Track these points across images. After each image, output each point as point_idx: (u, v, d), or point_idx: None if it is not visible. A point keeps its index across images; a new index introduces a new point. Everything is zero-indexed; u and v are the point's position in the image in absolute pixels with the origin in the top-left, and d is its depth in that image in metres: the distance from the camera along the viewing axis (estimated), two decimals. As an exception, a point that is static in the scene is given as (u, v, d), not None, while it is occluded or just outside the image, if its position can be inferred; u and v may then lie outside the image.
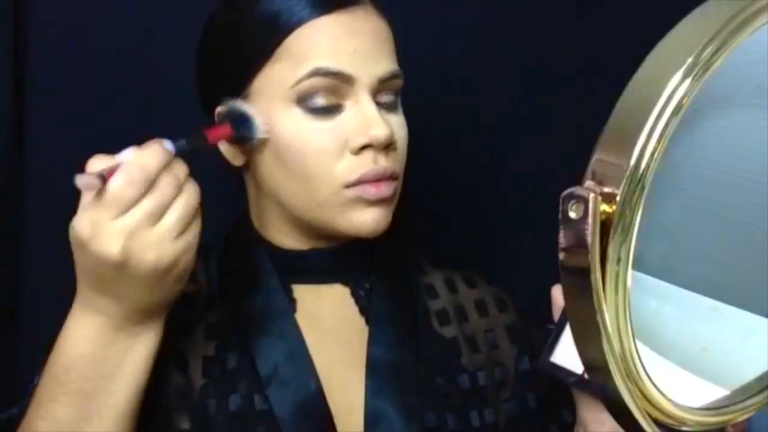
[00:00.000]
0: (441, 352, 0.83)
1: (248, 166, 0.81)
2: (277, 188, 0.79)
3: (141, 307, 0.68)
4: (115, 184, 0.64)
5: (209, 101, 0.81)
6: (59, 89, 1.04)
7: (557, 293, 0.76)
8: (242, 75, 0.77)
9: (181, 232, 0.66)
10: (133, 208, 0.64)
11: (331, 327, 0.81)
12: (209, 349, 0.79)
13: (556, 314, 0.76)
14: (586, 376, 0.71)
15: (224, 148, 0.80)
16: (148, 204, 0.65)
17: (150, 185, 0.65)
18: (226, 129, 0.75)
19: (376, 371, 0.78)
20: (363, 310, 0.82)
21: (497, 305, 0.88)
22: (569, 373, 0.73)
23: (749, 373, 0.55)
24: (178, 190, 0.66)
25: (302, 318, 0.80)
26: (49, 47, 1.04)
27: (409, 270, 0.87)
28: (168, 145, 0.68)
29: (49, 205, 1.04)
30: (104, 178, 0.64)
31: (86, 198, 0.65)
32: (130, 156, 0.66)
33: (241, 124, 0.76)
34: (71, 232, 0.66)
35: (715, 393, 0.54)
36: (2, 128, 1.03)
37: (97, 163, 0.66)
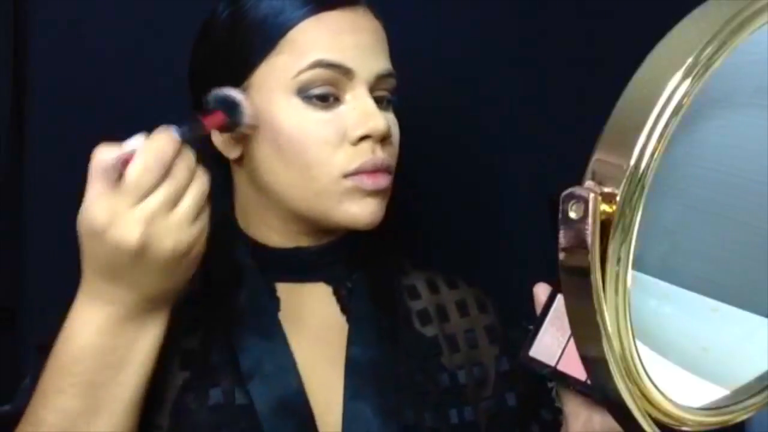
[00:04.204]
0: (421, 350, 0.84)
1: (242, 158, 0.81)
2: (273, 180, 0.79)
3: (152, 295, 0.68)
4: (133, 171, 0.65)
5: (202, 96, 0.80)
6: (59, 89, 1.04)
7: (539, 291, 0.78)
8: (243, 66, 0.78)
9: (195, 218, 0.67)
10: (150, 194, 0.65)
11: (312, 325, 0.82)
12: (189, 343, 0.79)
13: (539, 311, 0.78)
14: (558, 367, 0.74)
15: (219, 140, 0.81)
16: (165, 190, 0.65)
17: (167, 172, 0.66)
18: (219, 115, 0.75)
19: (354, 371, 0.79)
20: (344, 309, 0.83)
21: (478, 306, 0.89)
22: (544, 366, 0.75)
23: (749, 373, 0.55)
24: (192, 175, 0.67)
25: (285, 316, 0.81)
26: (49, 47, 1.04)
27: (390, 271, 0.88)
28: (175, 133, 0.68)
29: (49, 205, 1.05)
30: (121, 165, 0.65)
31: (97, 186, 0.65)
32: (142, 143, 0.66)
33: (232, 110, 0.76)
34: (83, 221, 0.66)
35: (715, 393, 0.54)
36: (2, 128, 1.03)
37: (105, 151, 0.66)
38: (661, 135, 0.44)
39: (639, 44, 0.48)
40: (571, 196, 0.45)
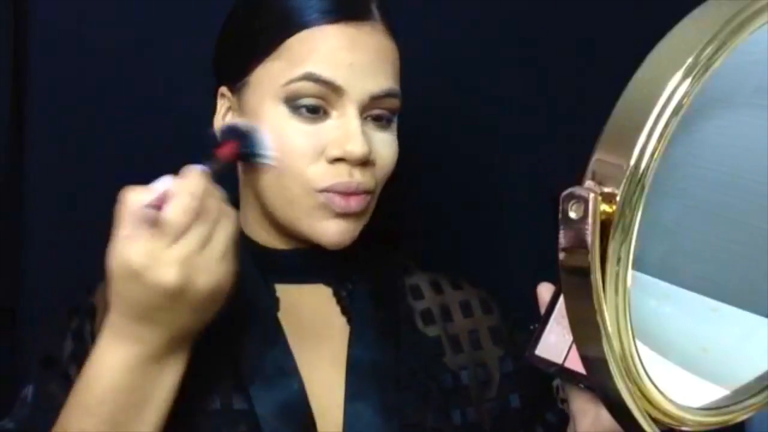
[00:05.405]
0: (423, 350, 0.84)
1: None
2: (256, 183, 0.79)
3: (180, 334, 0.69)
4: (172, 213, 0.66)
5: (216, 83, 0.83)
6: (59, 89, 1.04)
7: (543, 290, 0.77)
8: (244, 66, 0.79)
9: (226, 254, 0.68)
10: (186, 234, 0.66)
11: (313, 326, 0.82)
12: None
13: (542, 310, 0.77)
14: (565, 365, 0.74)
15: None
16: (200, 230, 0.66)
17: (201, 211, 0.67)
18: (233, 146, 0.76)
19: (355, 372, 0.79)
20: (345, 311, 0.83)
21: (482, 307, 0.89)
22: (550, 364, 0.75)
23: (749, 373, 0.55)
24: (221, 213, 0.68)
25: (285, 317, 0.81)
26: (49, 47, 1.04)
27: (392, 272, 0.88)
28: (205, 170, 0.69)
29: (49, 205, 1.05)
30: (156, 207, 0.66)
31: (130, 227, 0.66)
32: (172, 184, 0.67)
33: (247, 141, 0.77)
34: (116, 264, 0.66)
35: (715, 393, 0.54)
36: (2, 128, 1.03)
37: (136, 194, 0.67)
38: (661, 135, 0.44)
39: (639, 44, 0.48)
40: (571, 196, 0.45)
